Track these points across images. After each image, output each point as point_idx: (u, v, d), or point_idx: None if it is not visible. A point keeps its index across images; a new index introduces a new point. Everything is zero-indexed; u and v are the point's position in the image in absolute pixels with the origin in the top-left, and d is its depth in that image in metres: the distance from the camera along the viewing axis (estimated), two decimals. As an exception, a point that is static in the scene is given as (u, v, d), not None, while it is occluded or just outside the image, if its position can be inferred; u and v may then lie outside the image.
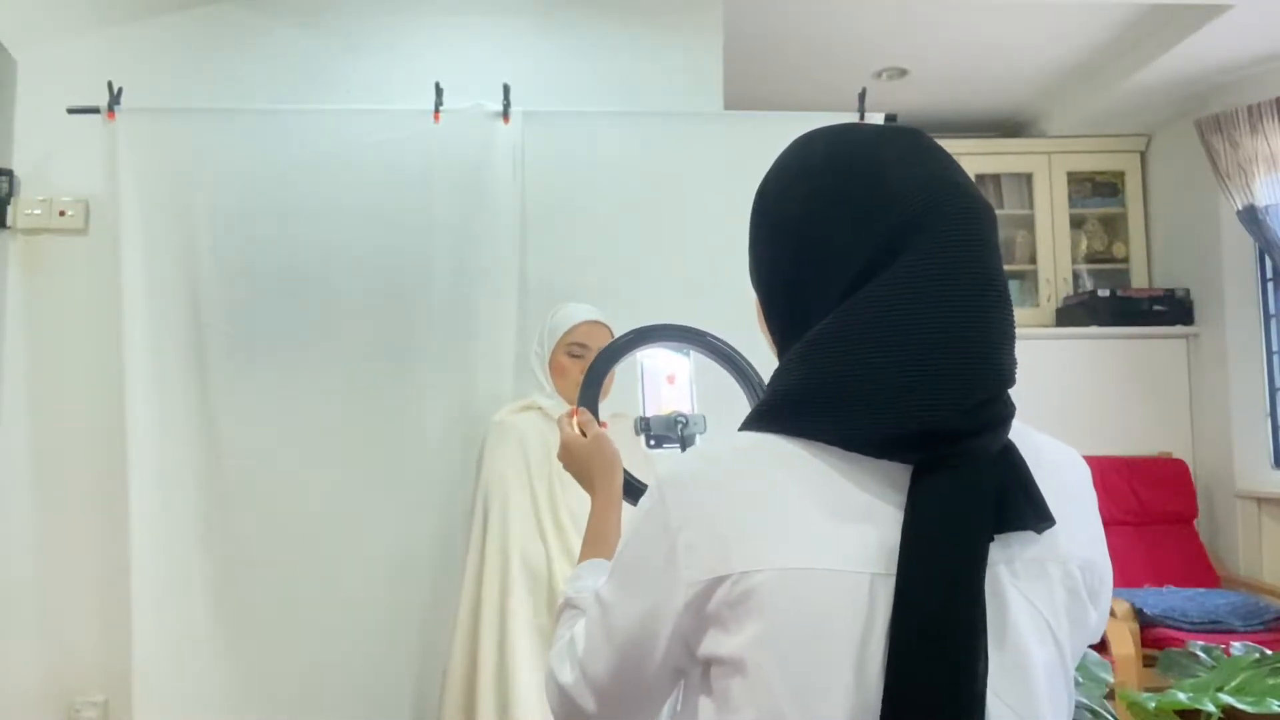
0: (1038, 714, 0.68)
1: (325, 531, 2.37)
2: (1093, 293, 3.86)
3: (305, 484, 2.38)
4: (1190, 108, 3.68)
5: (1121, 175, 4.13)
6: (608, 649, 0.77)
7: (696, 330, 1.30)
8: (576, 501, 1.94)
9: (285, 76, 2.68)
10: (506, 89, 2.47)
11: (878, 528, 0.67)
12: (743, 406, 1.17)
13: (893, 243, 0.69)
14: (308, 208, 2.44)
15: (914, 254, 0.68)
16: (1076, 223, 4.13)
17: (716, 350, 1.30)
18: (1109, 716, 1.95)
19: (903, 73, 3.66)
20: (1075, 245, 4.10)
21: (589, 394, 1.27)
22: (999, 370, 0.68)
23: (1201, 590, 3.25)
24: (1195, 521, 3.60)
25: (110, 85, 2.40)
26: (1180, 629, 2.94)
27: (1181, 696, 2.01)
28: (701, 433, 1.20)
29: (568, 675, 0.81)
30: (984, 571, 0.65)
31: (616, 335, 2.07)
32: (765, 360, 0.89)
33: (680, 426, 1.20)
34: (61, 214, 2.55)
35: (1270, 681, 2.02)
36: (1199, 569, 3.46)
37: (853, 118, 2.46)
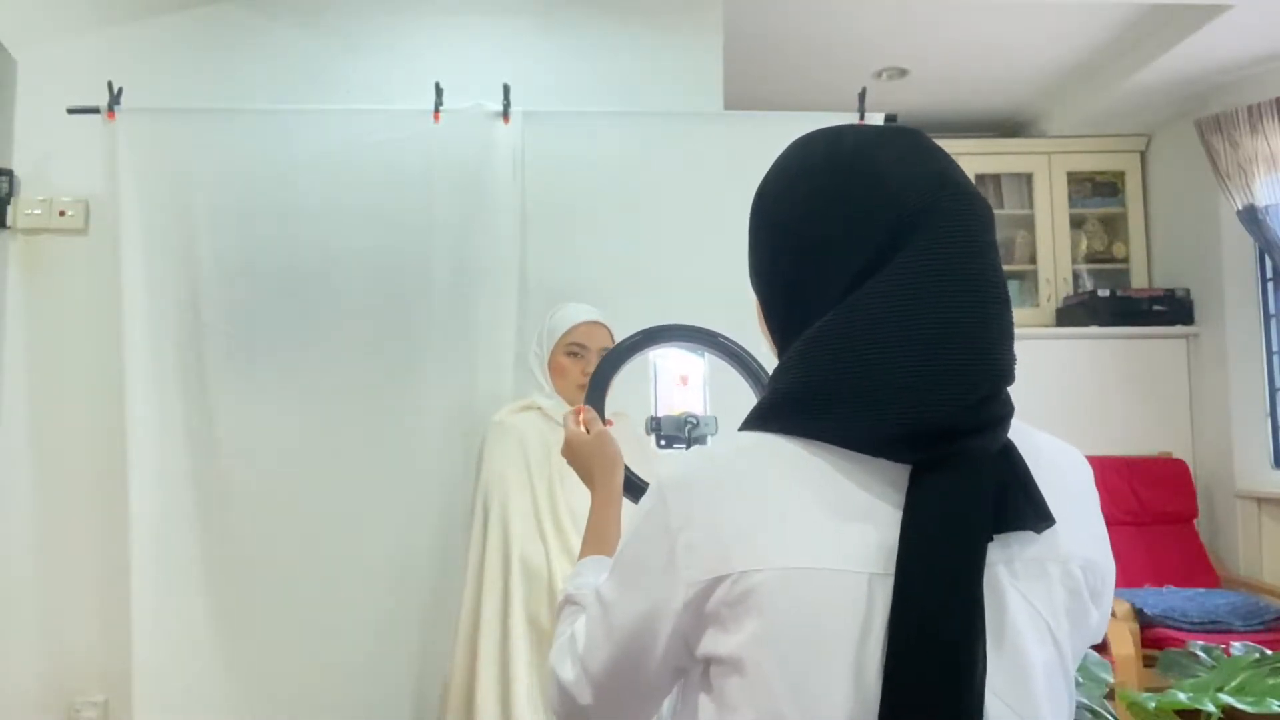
0: (1037, 714, 0.68)
1: (325, 531, 2.37)
2: (1093, 293, 3.86)
3: (305, 484, 2.38)
4: (1190, 108, 3.68)
5: (1121, 175, 4.13)
6: (608, 646, 0.77)
7: (706, 330, 1.29)
8: (577, 501, 1.95)
9: (285, 76, 2.68)
10: (506, 89, 2.47)
11: (877, 527, 0.67)
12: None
13: (892, 241, 0.69)
14: (308, 208, 2.44)
15: (913, 252, 0.69)
16: (1076, 223, 4.13)
17: (726, 350, 1.29)
18: (1109, 716, 1.95)
19: (903, 73, 3.66)
20: (1075, 245, 4.10)
21: (596, 393, 1.27)
22: (999, 366, 0.68)
23: (1201, 590, 3.25)
24: (1195, 521, 3.60)
25: (110, 85, 2.40)
26: (1180, 629, 2.94)
27: (1181, 696, 2.01)
28: (712, 434, 1.19)
29: (569, 672, 0.81)
30: (983, 571, 0.65)
31: (616, 336, 2.08)
32: (766, 361, 0.89)
33: (690, 428, 1.19)
34: (61, 214, 2.56)
35: (1270, 681, 2.02)
36: (1199, 569, 3.46)
37: (853, 118, 2.46)
